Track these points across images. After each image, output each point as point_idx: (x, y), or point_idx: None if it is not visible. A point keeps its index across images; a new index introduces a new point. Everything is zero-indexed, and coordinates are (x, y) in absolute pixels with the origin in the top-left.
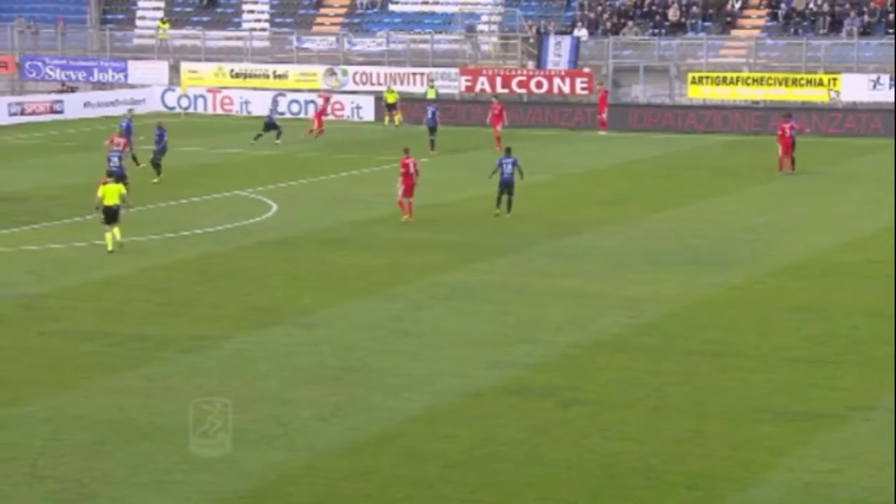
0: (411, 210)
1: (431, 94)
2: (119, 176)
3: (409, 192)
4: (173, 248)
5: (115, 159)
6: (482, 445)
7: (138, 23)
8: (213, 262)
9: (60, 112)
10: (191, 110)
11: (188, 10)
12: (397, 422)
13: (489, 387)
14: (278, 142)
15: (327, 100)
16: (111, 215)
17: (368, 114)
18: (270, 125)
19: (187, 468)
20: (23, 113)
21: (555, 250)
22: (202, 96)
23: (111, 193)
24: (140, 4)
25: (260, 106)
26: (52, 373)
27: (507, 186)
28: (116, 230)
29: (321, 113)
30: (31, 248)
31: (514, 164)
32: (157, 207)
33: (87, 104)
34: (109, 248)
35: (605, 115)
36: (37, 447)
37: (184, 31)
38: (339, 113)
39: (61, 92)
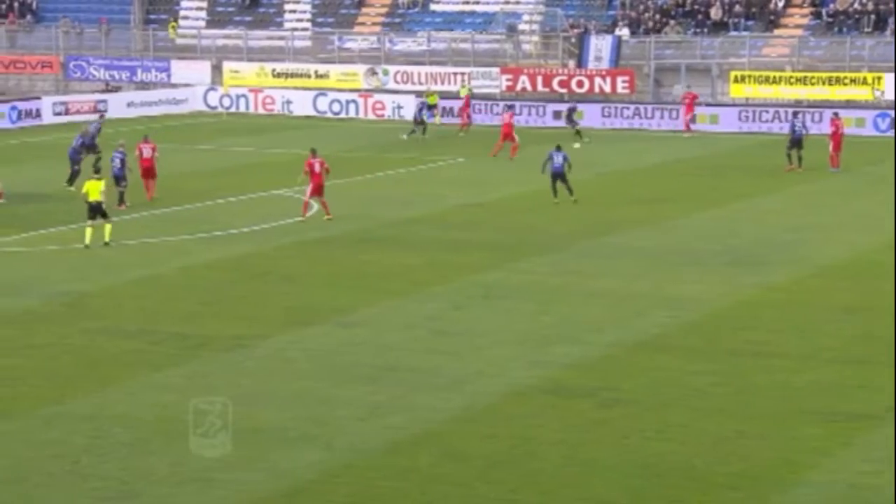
0: (327, 208)
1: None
2: (117, 177)
3: (316, 191)
4: (214, 247)
5: (118, 161)
6: (521, 445)
7: (181, 23)
8: (253, 261)
9: (104, 112)
10: (233, 110)
11: (230, 9)
12: (436, 421)
13: (528, 386)
14: (405, 137)
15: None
16: (94, 210)
17: (409, 113)
18: (419, 121)
19: (228, 467)
20: (67, 112)
21: (595, 250)
22: (244, 96)
23: (94, 189)
24: (183, 4)
25: (301, 105)
26: (94, 370)
27: (558, 176)
28: (107, 228)
29: (510, 125)
30: (74, 246)
31: (565, 158)
32: (197, 207)
33: (130, 104)
34: (87, 242)
35: (689, 118)
36: (80, 445)
37: (226, 31)
38: (379, 112)
39: (105, 92)
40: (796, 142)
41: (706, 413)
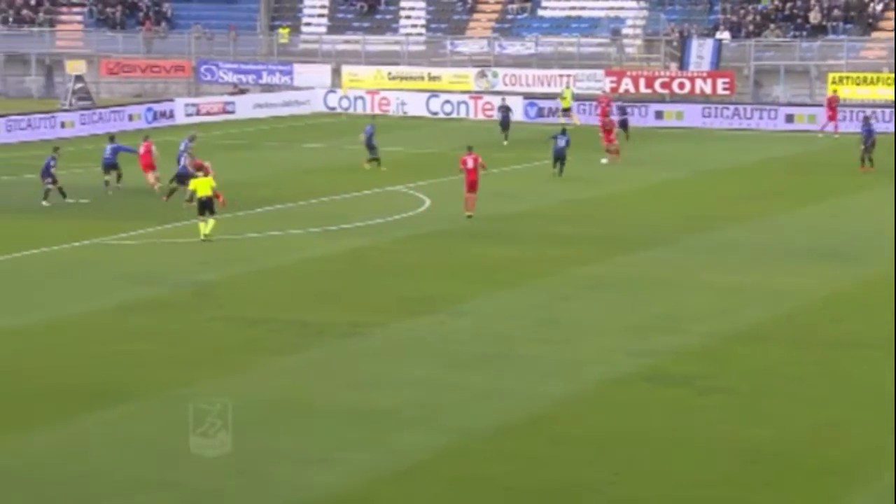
0: (474, 205)
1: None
2: (184, 176)
3: (472, 187)
4: (333, 240)
5: (182, 160)
6: (623, 430)
7: (303, 29)
8: (369, 253)
9: (232, 112)
10: (350, 110)
11: (350, 16)
12: (543, 406)
13: (631, 374)
14: (506, 143)
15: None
16: (203, 206)
17: (517, 114)
18: (505, 125)
19: (345, 447)
20: (198, 113)
21: (696, 244)
22: (361, 97)
23: (203, 186)
24: (306, 12)
25: (415, 106)
26: (219, 356)
27: (559, 156)
28: (211, 223)
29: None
30: (200, 239)
31: (567, 141)
32: (316, 203)
33: (256, 105)
34: (202, 234)
35: (831, 118)
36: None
37: (345, 37)
38: (488, 113)
39: (233, 94)
40: (874, 142)
41: (803, 401)
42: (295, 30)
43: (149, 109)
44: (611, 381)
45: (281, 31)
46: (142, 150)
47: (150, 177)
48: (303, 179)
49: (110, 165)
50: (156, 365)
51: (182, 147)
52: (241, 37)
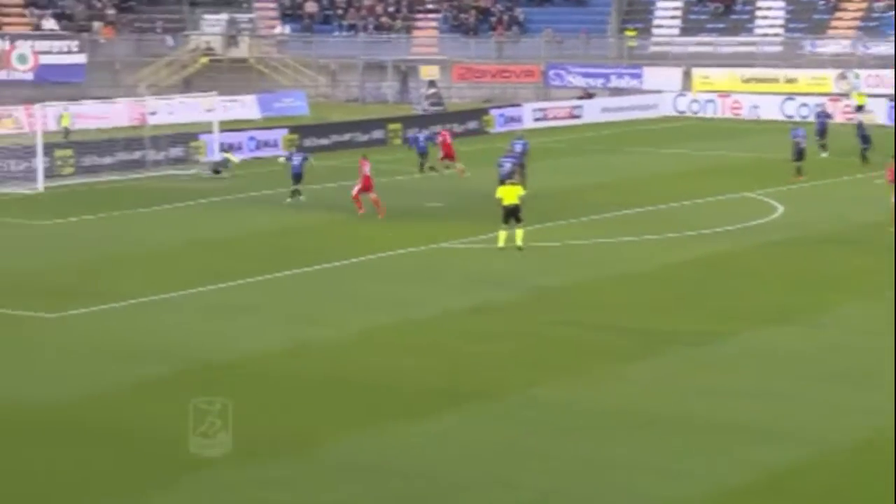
0: None
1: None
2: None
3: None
4: (688, 245)
5: (508, 165)
6: None
7: (654, 31)
8: (722, 260)
9: (579, 117)
10: (700, 114)
11: (703, 17)
12: None
13: None
14: (826, 154)
15: None
16: (510, 214)
17: (881, 117)
18: (822, 132)
19: (691, 457)
20: (545, 118)
21: None
22: (712, 101)
23: (509, 194)
24: (658, 14)
25: (768, 110)
26: (564, 360)
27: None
28: (519, 232)
29: None
30: (546, 244)
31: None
32: (668, 207)
33: (603, 109)
34: (500, 244)
35: None
36: (550, 428)
37: (697, 38)
38: (848, 116)
39: (581, 98)
40: None
41: None
42: (646, 32)
43: (501, 115)
44: None
45: (627, 33)
46: (445, 139)
47: (458, 166)
48: (651, 184)
49: (424, 153)
50: (503, 366)
51: (518, 149)
52: (592, 40)
